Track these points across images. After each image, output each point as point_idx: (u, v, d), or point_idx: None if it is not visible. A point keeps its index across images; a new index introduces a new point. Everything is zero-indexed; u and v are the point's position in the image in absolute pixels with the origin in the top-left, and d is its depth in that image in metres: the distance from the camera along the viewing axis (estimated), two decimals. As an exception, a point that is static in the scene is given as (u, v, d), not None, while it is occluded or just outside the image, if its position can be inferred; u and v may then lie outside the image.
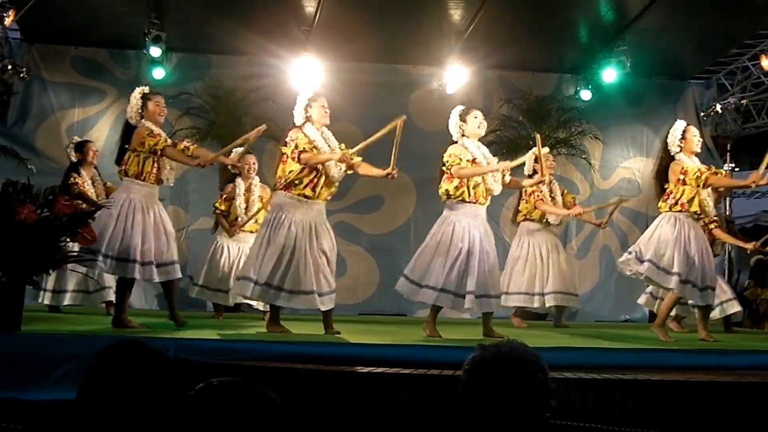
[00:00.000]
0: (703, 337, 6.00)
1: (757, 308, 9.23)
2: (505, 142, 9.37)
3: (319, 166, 5.52)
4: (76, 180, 6.88)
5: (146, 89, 5.77)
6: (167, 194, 9.41)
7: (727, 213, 10.37)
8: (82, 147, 7.27)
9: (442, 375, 3.90)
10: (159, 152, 5.56)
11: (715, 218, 7.11)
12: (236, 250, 7.19)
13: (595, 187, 10.40)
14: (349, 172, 5.66)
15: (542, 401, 2.01)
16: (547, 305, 7.45)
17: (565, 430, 2.12)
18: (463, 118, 5.83)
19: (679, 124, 6.04)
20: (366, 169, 5.69)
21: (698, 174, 5.82)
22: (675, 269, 5.78)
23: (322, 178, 5.54)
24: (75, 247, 5.53)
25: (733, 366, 4.55)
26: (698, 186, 5.84)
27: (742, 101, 9.93)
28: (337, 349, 4.56)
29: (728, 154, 10.55)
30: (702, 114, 10.41)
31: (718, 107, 9.99)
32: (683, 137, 5.97)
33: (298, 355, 4.25)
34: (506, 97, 9.94)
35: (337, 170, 5.58)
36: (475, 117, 5.84)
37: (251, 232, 7.01)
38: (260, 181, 7.32)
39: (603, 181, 10.39)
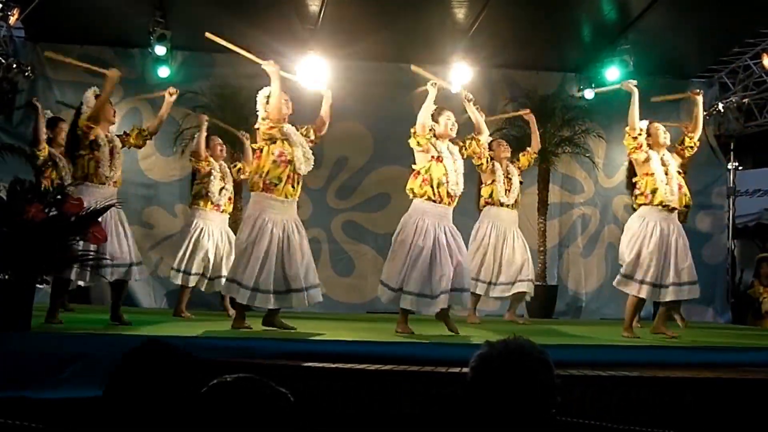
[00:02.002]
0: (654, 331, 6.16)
1: (759, 306, 9.24)
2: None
3: (288, 157, 5.50)
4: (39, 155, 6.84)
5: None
6: (176, 193, 9.46)
7: (730, 212, 10.42)
8: (54, 124, 7.16)
9: (443, 374, 3.90)
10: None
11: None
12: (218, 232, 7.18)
13: (599, 185, 10.39)
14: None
15: (548, 397, 2.04)
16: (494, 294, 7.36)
17: (570, 427, 2.14)
18: (435, 118, 5.72)
19: (642, 123, 6.11)
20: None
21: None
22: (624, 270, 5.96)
23: (295, 174, 5.52)
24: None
25: (735, 363, 4.58)
26: (637, 142, 5.94)
27: (744, 100, 9.92)
28: (339, 347, 4.56)
29: (731, 152, 10.56)
30: (704, 113, 10.40)
31: (721, 106, 9.98)
32: (648, 134, 6.09)
33: (298, 353, 4.24)
34: (511, 95, 9.94)
35: (304, 160, 5.56)
36: (448, 118, 5.75)
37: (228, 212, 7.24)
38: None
39: (607, 179, 10.39)
